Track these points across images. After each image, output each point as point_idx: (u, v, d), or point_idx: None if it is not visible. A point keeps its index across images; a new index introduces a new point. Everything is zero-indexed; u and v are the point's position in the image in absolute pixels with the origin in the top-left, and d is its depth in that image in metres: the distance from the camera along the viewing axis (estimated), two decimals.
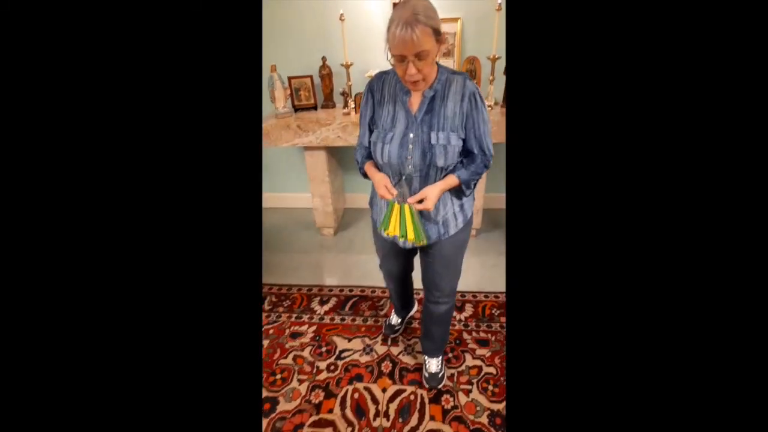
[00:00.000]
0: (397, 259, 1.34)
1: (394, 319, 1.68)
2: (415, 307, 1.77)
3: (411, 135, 1.02)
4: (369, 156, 1.15)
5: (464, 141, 1.04)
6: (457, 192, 1.13)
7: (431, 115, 1.01)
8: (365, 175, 1.17)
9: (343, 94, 2.11)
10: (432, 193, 1.03)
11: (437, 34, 0.90)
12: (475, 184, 1.14)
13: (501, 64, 1.97)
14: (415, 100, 1.03)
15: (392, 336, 1.66)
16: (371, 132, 1.10)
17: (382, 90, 1.07)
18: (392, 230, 1.10)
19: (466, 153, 1.08)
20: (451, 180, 1.06)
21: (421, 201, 1.04)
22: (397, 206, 1.08)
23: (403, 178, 1.06)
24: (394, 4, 2.02)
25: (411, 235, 1.09)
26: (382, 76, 1.09)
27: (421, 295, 1.41)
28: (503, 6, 1.82)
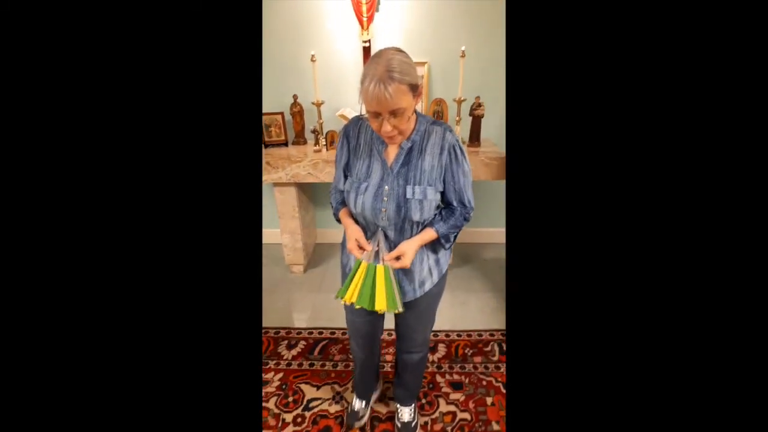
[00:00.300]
0: (368, 313, 1.11)
1: (357, 404, 1.40)
2: (380, 388, 1.54)
3: (386, 187, 0.97)
4: (344, 201, 1.09)
5: (443, 194, 1.00)
6: (434, 245, 1.07)
7: (408, 168, 0.97)
8: (340, 221, 1.12)
9: (314, 131, 2.11)
10: (410, 249, 0.97)
11: (414, 89, 0.85)
12: (455, 237, 1.08)
13: (466, 106, 2.05)
14: (392, 151, 0.98)
15: (358, 424, 1.40)
16: (346, 177, 1.06)
17: (358, 137, 1.02)
18: (350, 296, 0.95)
19: (446, 204, 1.04)
20: (429, 234, 1.01)
21: (397, 258, 0.97)
22: (365, 265, 0.96)
23: (379, 229, 1.00)
24: (365, 48, 2.09)
25: (381, 302, 0.94)
26: (358, 122, 1.04)
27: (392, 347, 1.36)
28: (467, 53, 1.93)
